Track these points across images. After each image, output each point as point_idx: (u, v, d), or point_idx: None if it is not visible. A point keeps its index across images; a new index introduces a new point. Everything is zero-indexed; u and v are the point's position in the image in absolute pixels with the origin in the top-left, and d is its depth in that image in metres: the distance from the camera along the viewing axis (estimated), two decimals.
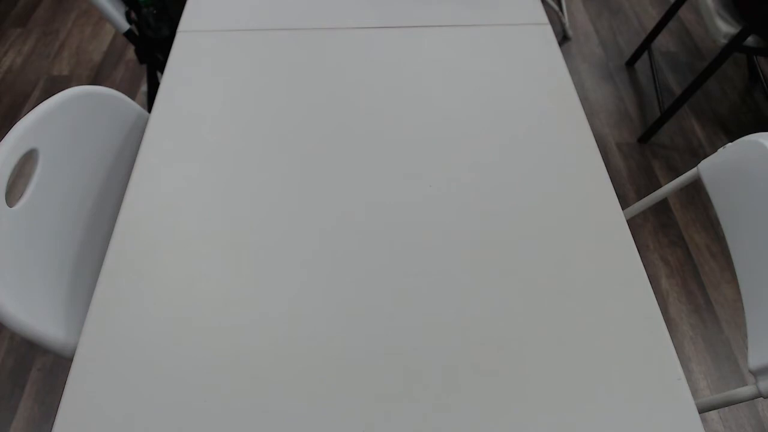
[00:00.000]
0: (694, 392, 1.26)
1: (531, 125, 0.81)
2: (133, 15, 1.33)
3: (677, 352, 1.32)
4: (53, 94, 0.74)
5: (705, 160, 0.81)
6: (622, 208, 0.80)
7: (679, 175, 0.97)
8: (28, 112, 0.91)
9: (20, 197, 0.69)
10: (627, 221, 0.71)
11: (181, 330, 0.60)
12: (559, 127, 0.81)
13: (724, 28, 1.44)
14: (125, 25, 1.28)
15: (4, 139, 0.67)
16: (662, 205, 1.60)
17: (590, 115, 1.84)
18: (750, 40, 1.43)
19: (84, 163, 0.80)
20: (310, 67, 0.89)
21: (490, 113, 0.83)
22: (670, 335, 0.97)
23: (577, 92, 1.92)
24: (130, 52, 2.05)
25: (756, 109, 1.86)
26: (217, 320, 0.61)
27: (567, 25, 2.10)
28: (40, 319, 0.62)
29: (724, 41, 1.44)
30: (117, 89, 1.18)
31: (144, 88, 1.91)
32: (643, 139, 1.76)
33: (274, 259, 0.66)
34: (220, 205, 0.71)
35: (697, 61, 2.02)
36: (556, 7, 2.11)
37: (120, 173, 0.88)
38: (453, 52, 0.92)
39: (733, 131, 1.79)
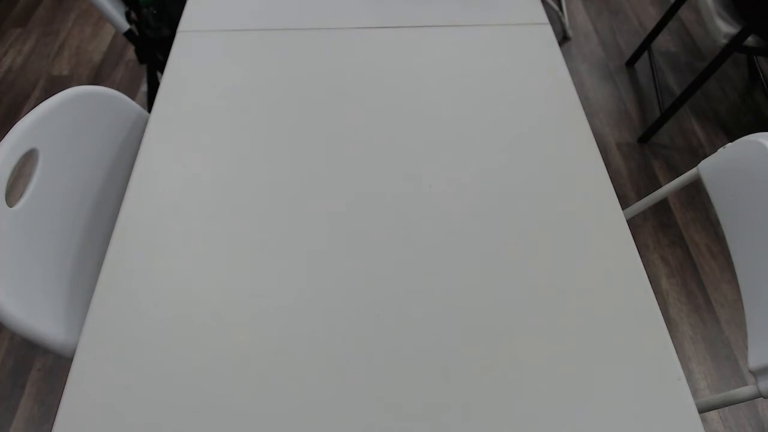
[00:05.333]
0: (694, 392, 1.26)
1: (531, 125, 0.81)
2: (133, 15, 1.33)
3: (677, 352, 1.32)
4: (53, 94, 0.74)
5: (705, 160, 0.81)
6: (622, 208, 0.80)
7: (679, 175, 0.97)
8: (28, 112, 0.91)
9: (20, 197, 0.69)
10: (627, 221, 0.71)
11: (181, 330, 0.60)
12: (559, 127, 0.81)
13: (724, 28, 1.44)
14: (125, 25, 1.28)
15: (4, 139, 0.67)
16: (662, 205, 1.60)
17: (590, 115, 1.84)
18: (750, 40, 1.43)
19: (84, 163, 0.80)
20: (310, 67, 0.89)
21: (489, 113, 0.83)
22: (670, 335, 0.97)
23: (577, 92, 1.92)
24: (130, 52, 2.05)
25: (756, 109, 1.86)
26: (217, 320, 0.61)
27: (567, 25, 2.10)
28: (40, 319, 0.62)
29: (724, 41, 1.44)
30: (117, 89, 1.18)
31: (144, 88, 1.91)
32: (643, 139, 1.76)
33: (274, 260, 0.66)
34: (220, 206, 0.71)
35: (697, 61, 2.02)
36: (556, 7, 2.11)
37: (120, 173, 0.88)
38: (453, 52, 0.92)
39: (733, 131, 1.79)
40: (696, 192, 1.63)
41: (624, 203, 1.61)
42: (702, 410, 0.65)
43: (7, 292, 0.60)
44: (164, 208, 0.71)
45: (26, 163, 1.53)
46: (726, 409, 1.23)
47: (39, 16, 2.19)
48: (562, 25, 2.11)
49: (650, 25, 2.17)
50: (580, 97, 1.70)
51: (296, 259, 0.66)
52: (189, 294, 0.63)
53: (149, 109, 0.86)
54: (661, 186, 1.42)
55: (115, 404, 0.55)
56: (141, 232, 0.68)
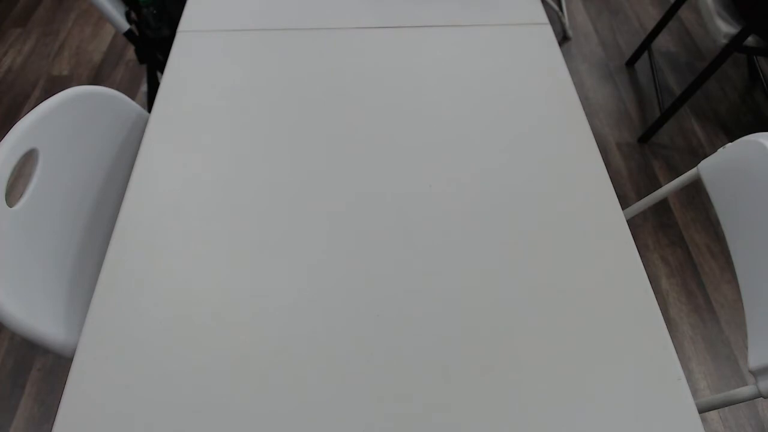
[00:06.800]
0: (694, 392, 1.26)
1: (531, 125, 0.81)
2: (133, 15, 1.33)
3: (677, 352, 1.32)
4: (53, 94, 0.74)
5: (705, 160, 0.81)
6: (622, 208, 0.80)
7: (679, 175, 0.97)
8: (28, 112, 0.91)
9: (20, 197, 0.69)
10: (627, 221, 0.71)
11: (181, 330, 0.60)
12: (559, 127, 0.81)
13: (724, 28, 1.44)
14: (125, 25, 1.28)
15: (4, 139, 0.67)
16: (662, 205, 1.60)
17: (590, 115, 1.84)
18: (750, 40, 1.43)
19: (84, 163, 0.80)
20: (310, 67, 0.89)
21: (489, 113, 0.83)
22: (670, 335, 0.97)
23: (577, 92, 1.92)
24: (130, 52, 2.05)
25: (756, 109, 1.86)
26: (217, 320, 0.61)
27: (567, 25, 2.10)
28: (40, 319, 0.62)
29: (724, 41, 1.44)
30: (117, 89, 1.18)
31: (144, 88, 1.91)
32: (643, 139, 1.76)
33: (274, 260, 0.66)
34: (220, 206, 0.71)
35: (697, 61, 2.02)
36: (556, 7, 2.11)
37: (120, 173, 0.88)
38: (453, 52, 0.92)
39: (733, 131, 1.79)
40: (696, 192, 1.63)
41: (624, 203, 1.61)
42: (702, 410, 0.65)
43: (7, 292, 0.60)
44: (164, 208, 0.71)
45: (26, 163, 1.53)
46: (726, 409, 1.23)
47: (39, 16, 2.19)
48: (562, 25, 2.11)
49: (650, 25, 2.17)
50: (580, 97, 1.70)
51: (296, 259, 0.66)
52: (189, 294, 0.63)
53: (149, 109, 0.86)
54: (661, 186, 1.42)
55: (115, 404, 0.55)
56: (141, 232, 0.68)
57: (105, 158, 0.84)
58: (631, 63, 2.00)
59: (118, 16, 1.26)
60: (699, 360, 1.30)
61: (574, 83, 1.93)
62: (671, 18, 1.85)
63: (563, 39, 2.10)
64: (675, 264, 1.48)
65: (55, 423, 0.54)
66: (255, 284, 0.64)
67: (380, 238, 0.68)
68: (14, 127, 0.69)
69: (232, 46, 0.93)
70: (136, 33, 1.33)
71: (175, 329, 0.60)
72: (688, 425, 0.55)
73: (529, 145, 0.79)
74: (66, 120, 0.76)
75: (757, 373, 0.64)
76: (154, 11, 1.32)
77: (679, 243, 1.52)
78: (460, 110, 0.83)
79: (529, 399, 0.56)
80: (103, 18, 2.18)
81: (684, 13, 2.20)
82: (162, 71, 1.39)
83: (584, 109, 1.82)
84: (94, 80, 1.94)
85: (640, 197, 1.63)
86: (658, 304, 0.71)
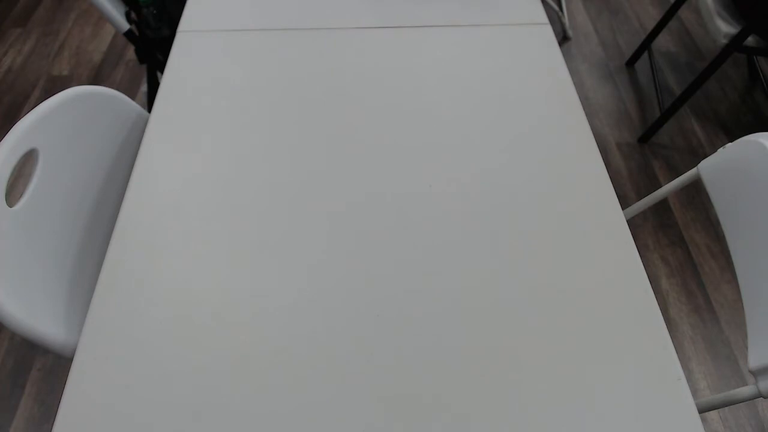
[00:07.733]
0: (694, 392, 1.26)
1: (531, 125, 0.81)
2: (133, 15, 1.33)
3: (677, 352, 1.32)
4: (53, 94, 0.74)
5: (705, 160, 0.81)
6: (622, 208, 0.80)
7: (679, 175, 0.97)
8: (28, 112, 0.91)
9: (20, 197, 0.69)
10: (627, 221, 0.71)
11: (181, 330, 0.60)
12: (559, 127, 0.81)
13: (724, 28, 1.44)
14: (125, 25, 1.28)
15: (4, 139, 0.67)
16: (662, 205, 1.60)
17: (590, 115, 1.84)
18: (750, 40, 1.43)
19: (84, 163, 0.80)
20: (310, 67, 0.89)
21: (489, 113, 0.83)
22: (670, 335, 0.97)
23: (577, 92, 1.91)
24: (130, 52, 2.05)
25: (756, 109, 1.86)
26: (217, 320, 0.61)
27: (567, 25, 2.10)
28: (40, 319, 0.62)
29: (724, 41, 1.44)
30: (117, 89, 1.18)
31: (144, 88, 1.91)
32: (643, 139, 1.76)
33: (274, 260, 0.66)
34: (220, 206, 0.71)
35: (697, 61, 2.02)
36: (556, 7, 2.11)
37: (120, 173, 0.88)
38: (453, 52, 0.92)
39: (733, 131, 1.79)
40: (696, 192, 1.63)
41: (624, 203, 1.61)
42: (702, 410, 0.65)
43: (7, 292, 0.60)
44: (164, 208, 0.71)
45: (26, 163, 1.53)
46: (726, 409, 1.23)
47: (39, 16, 2.19)
48: (562, 25, 2.11)
49: (650, 25, 2.17)
50: (580, 97, 1.70)
51: (296, 259, 0.66)
52: (189, 294, 0.63)
53: (149, 109, 0.86)
54: (661, 186, 1.42)
55: (115, 404, 0.55)
56: (141, 232, 0.68)
57: (105, 158, 0.84)
58: (631, 63, 2.00)
59: (118, 16, 1.26)
60: (699, 360, 1.30)
61: (574, 83, 1.93)
62: (671, 18, 1.85)
63: (563, 39, 2.10)
64: (675, 264, 1.48)
65: (55, 423, 0.54)
66: (255, 284, 0.64)
67: (380, 238, 0.68)
68: (14, 127, 0.69)
69: (232, 46, 0.93)
70: (136, 33, 1.33)
71: (175, 329, 0.60)
72: (688, 425, 0.55)
73: (529, 145, 0.79)
74: (66, 120, 0.76)
75: (757, 373, 0.64)
76: (154, 11, 1.32)
77: (679, 243, 1.52)
78: (460, 110, 0.83)
79: (529, 399, 0.56)
80: (103, 18, 2.18)
81: (684, 13, 2.20)
82: (162, 71, 1.39)
83: (584, 109, 1.82)
84: (94, 80, 1.94)
85: (640, 197, 1.63)
86: (658, 304, 0.71)
